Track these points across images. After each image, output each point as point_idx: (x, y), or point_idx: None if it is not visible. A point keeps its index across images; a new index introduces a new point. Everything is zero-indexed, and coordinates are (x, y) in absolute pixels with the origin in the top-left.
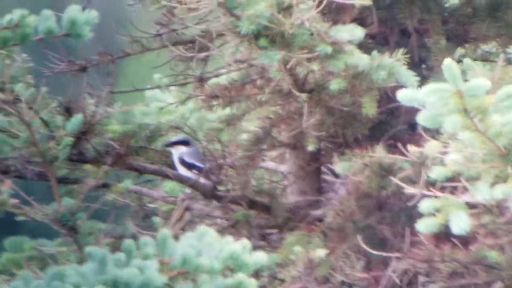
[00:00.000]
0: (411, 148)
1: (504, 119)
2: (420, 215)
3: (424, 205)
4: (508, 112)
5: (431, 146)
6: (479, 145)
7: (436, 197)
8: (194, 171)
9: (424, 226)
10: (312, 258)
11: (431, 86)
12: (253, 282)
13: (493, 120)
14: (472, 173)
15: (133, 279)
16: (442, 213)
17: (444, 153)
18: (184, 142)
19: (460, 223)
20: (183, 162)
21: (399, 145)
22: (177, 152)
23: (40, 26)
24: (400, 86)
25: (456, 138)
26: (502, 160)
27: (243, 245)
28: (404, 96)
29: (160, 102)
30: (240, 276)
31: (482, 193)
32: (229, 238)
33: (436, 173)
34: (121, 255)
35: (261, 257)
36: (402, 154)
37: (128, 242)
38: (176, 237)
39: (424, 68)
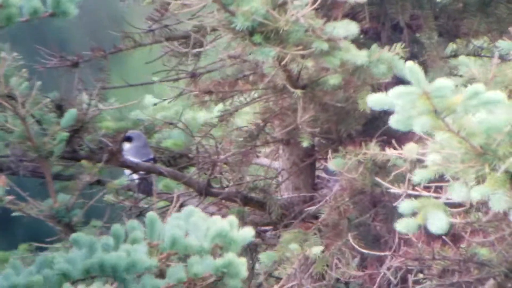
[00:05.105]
0: (395, 151)
1: (478, 118)
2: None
3: (404, 206)
4: (477, 111)
5: (410, 148)
6: (456, 145)
7: (418, 196)
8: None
9: (403, 226)
10: (307, 255)
11: (398, 89)
12: (243, 261)
13: (467, 120)
14: (452, 173)
15: (120, 261)
16: (421, 213)
17: (424, 154)
18: (127, 139)
19: (437, 222)
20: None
21: (393, 141)
22: (124, 150)
23: (25, 6)
24: (394, 82)
25: (434, 139)
26: (479, 159)
27: (230, 222)
28: (374, 101)
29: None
30: (230, 255)
31: (458, 194)
32: (216, 218)
33: (418, 175)
34: (109, 239)
35: (248, 233)
36: (396, 150)
37: (116, 227)
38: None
39: (416, 63)
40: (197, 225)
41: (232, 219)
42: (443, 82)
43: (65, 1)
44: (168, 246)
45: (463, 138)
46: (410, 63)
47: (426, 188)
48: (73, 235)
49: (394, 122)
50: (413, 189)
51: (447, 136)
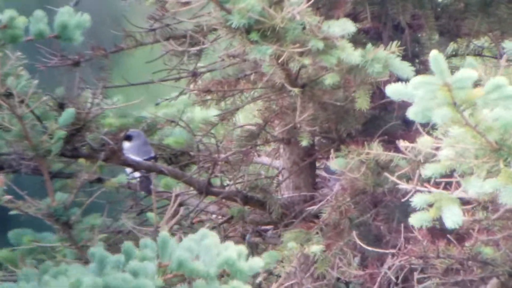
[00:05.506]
0: (405, 144)
1: (494, 114)
2: (415, 211)
3: (417, 200)
4: (497, 105)
5: (424, 142)
6: (471, 140)
7: (429, 192)
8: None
9: (417, 220)
10: (307, 254)
11: (419, 78)
12: None
13: (484, 115)
14: (465, 168)
15: (126, 284)
16: (435, 207)
17: (437, 148)
18: (127, 137)
19: (453, 217)
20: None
21: (392, 141)
22: (124, 148)
23: (31, 27)
24: (394, 81)
25: (448, 133)
26: (494, 155)
27: (239, 251)
28: (393, 91)
29: None
30: (235, 283)
31: (473, 187)
32: (228, 244)
33: (429, 169)
34: (121, 257)
35: (257, 263)
36: (398, 150)
37: (128, 245)
38: (170, 233)
39: (417, 63)
40: (208, 249)
41: (241, 248)
42: (465, 73)
43: (72, 28)
44: (174, 267)
45: (479, 133)
46: (435, 52)
47: (436, 185)
48: (91, 250)
49: (411, 113)
50: (422, 185)
51: (462, 131)
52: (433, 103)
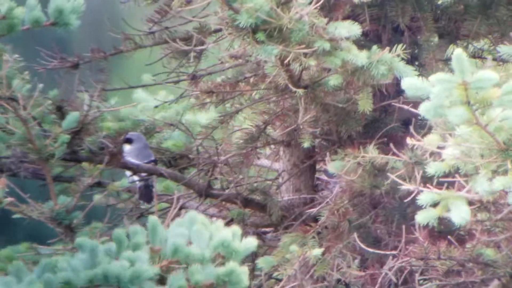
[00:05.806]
0: (410, 141)
1: (504, 114)
2: (414, 213)
3: (423, 198)
4: (510, 107)
5: (430, 140)
6: (477, 139)
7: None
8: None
9: (423, 217)
10: (308, 257)
11: (438, 75)
12: (244, 269)
13: (495, 114)
14: (469, 168)
15: (124, 272)
16: (442, 204)
17: (442, 147)
18: (128, 140)
19: (461, 213)
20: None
21: (392, 143)
22: (125, 151)
23: (26, 17)
24: (394, 84)
25: (452, 133)
26: (501, 155)
27: (233, 232)
28: (409, 85)
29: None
30: (232, 264)
31: (481, 186)
32: (218, 224)
33: (433, 168)
34: (111, 245)
35: (251, 243)
36: (394, 153)
37: (118, 232)
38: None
39: (416, 65)
40: (200, 233)
41: (236, 228)
42: (486, 74)
43: (67, 12)
44: (170, 254)
45: (489, 133)
46: (459, 51)
47: (438, 185)
48: (78, 240)
49: (423, 110)
50: (425, 186)
51: (469, 130)
52: (446, 101)
